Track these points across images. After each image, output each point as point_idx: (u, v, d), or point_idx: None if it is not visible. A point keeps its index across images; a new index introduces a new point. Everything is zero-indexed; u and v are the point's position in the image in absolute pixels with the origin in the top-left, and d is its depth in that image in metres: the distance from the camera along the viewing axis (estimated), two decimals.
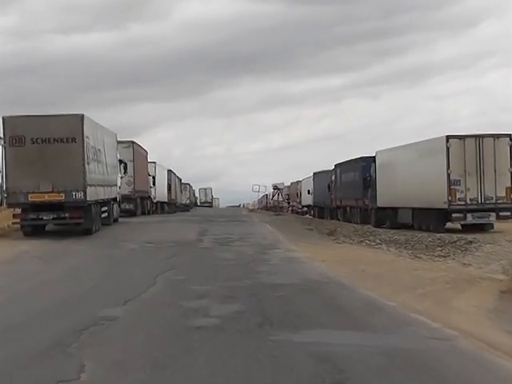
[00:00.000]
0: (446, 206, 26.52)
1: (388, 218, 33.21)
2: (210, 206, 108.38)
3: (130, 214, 38.63)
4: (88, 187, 22.82)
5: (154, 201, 50.75)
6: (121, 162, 32.95)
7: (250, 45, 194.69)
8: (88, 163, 23.32)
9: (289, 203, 74.75)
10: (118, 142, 34.53)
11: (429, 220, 28.16)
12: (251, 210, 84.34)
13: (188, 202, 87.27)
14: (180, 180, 78.42)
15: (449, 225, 27.48)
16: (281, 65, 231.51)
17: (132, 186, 38.42)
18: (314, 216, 55.30)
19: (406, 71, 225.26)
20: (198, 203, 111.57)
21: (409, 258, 16.78)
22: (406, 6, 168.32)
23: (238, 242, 20.54)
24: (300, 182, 72.27)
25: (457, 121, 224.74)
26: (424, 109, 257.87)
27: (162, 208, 54.92)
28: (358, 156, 40.32)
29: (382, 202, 34.05)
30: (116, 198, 30.75)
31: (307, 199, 62.90)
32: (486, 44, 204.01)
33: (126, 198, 36.99)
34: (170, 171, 62.19)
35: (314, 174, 58.24)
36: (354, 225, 35.19)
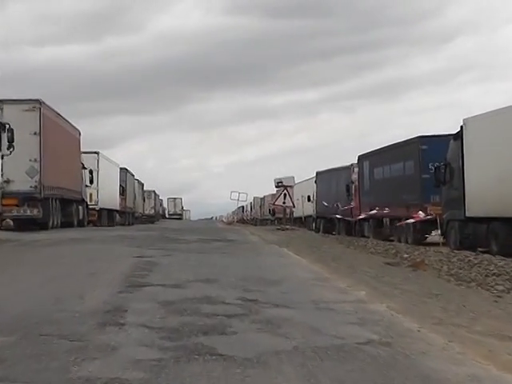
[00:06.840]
0: None
1: (494, 239, 18.35)
2: (180, 218, 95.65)
3: (38, 225, 23.13)
4: None
5: (96, 208, 35.76)
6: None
7: (225, 58, 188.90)
8: None
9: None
10: (14, 102, 19.54)
11: None
12: (229, 223, 69.86)
13: (153, 212, 72.71)
14: (142, 185, 63.68)
15: None
16: (256, 78, 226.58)
17: (36, 178, 22.41)
18: (317, 230, 40.69)
19: (382, 86, 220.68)
20: (167, 215, 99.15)
21: None
22: (383, 21, 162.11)
23: (258, 348, 4.99)
24: (290, 187, 57.26)
25: None
26: (399, 123, 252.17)
27: (110, 218, 39.93)
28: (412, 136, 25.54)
29: (477, 208, 19.17)
30: None
31: (304, 209, 47.92)
32: (462, 59, 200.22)
33: (25, 198, 21.63)
34: (124, 169, 47.10)
35: (318, 173, 43.62)
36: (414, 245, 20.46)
